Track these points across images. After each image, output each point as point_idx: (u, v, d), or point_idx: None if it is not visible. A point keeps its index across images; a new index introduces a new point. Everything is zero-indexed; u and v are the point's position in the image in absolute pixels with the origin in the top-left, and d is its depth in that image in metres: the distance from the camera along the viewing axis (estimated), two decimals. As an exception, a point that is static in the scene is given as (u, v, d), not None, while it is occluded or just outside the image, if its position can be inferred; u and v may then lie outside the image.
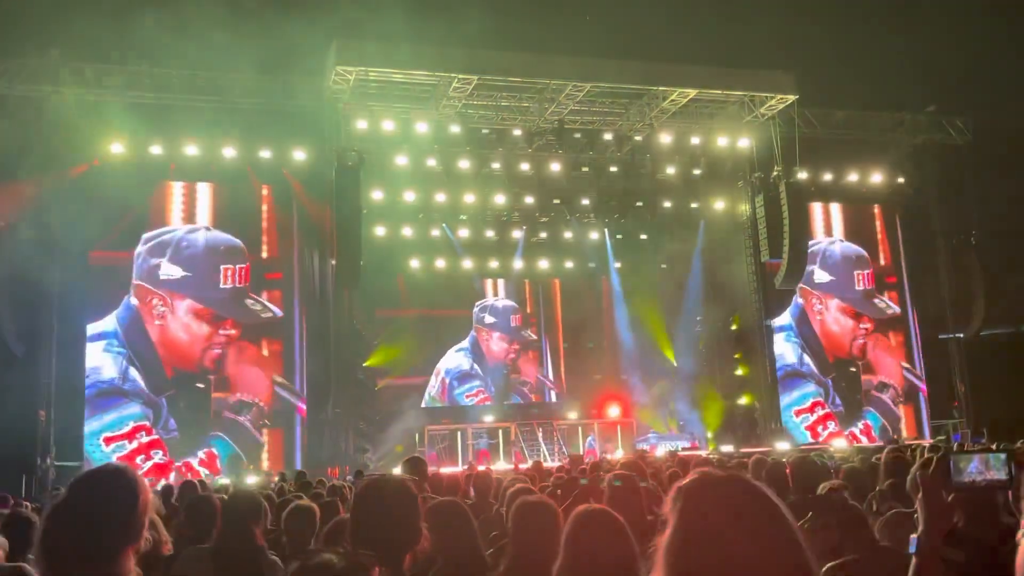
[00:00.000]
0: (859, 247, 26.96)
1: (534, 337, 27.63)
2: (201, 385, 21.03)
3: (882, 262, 27.24)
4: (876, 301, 26.92)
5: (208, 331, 21.20)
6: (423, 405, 25.62)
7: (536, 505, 3.69)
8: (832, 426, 25.52)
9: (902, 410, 26.38)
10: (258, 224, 22.28)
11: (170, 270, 21.08)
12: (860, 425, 25.92)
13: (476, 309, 27.06)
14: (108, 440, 19.99)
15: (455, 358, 26.58)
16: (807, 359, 26.01)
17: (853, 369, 26.36)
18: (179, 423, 20.60)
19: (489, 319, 27.13)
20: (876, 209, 27.34)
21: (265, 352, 21.81)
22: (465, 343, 26.77)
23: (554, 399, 27.15)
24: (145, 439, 20.27)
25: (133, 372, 20.49)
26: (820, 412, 25.66)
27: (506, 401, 26.45)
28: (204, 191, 21.89)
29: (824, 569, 3.23)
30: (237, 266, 21.66)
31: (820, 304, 26.38)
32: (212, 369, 21.16)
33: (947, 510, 2.75)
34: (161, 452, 20.28)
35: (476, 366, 26.64)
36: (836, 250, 26.82)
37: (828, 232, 26.82)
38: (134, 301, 20.84)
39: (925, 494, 2.67)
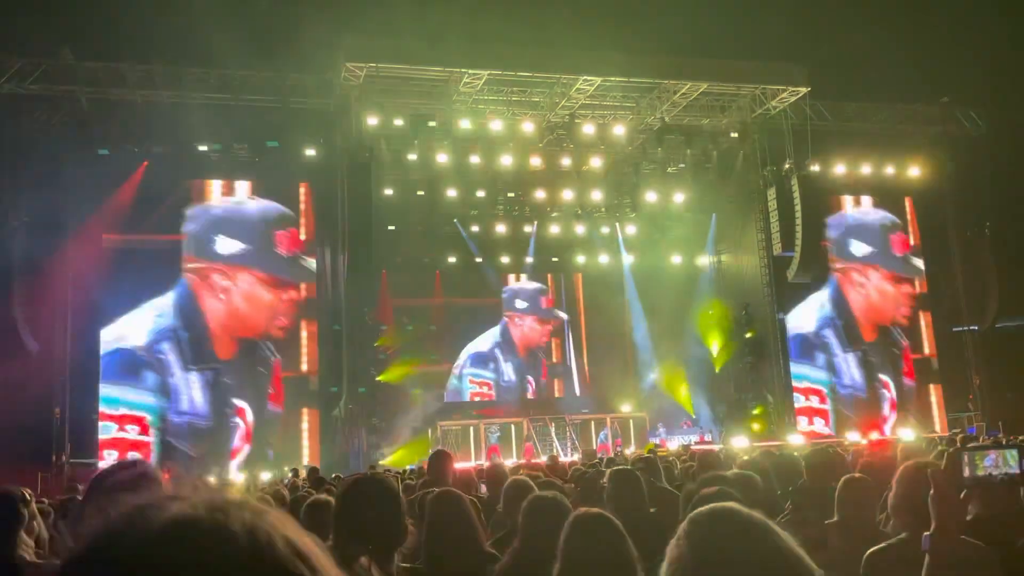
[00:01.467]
0: (888, 212, 27.05)
1: (565, 316, 27.45)
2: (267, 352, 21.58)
3: (897, 254, 27.14)
4: (915, 262, 27.07)
5: (271, 299, 21.72)
6: (447, 391, 25.63)
7: (544, 501, 3.70)
8: (820, 424, 25.47)
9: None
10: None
11: (227, 245, 21.59)
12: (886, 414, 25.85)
13: (505, 295, 26.94)
14: (102, 416, 20.13)
15: (481, 341, 26.47)
16: (829, 333, 25.91)
17: (896, 350, 26.38)
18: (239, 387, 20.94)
19: (520, 303, 27.00)
20: (890, 201, 27.19)
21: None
22: (495, 329, 26.66)
23: (578, 392, 27.03)
24: (133, 434, 20.33)
25: (165, 345, 20.68)
26: (814, 400, 25.63)
27: (531, 392, 26.30)
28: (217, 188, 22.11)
29: (868, 554, 3.24)
30: (289, 229, 22.24)
31: (861, 276, 26.45)
32: (280, 337, 21.60)
33: (959, 507, 2.73)
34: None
35: (499, 351, 26.48)
36: (871, 219, 26.98)
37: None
38: (188, 279, 21.24)
39: (937, 491, 2.66)
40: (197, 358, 20.86)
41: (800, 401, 25.46)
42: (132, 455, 18.23)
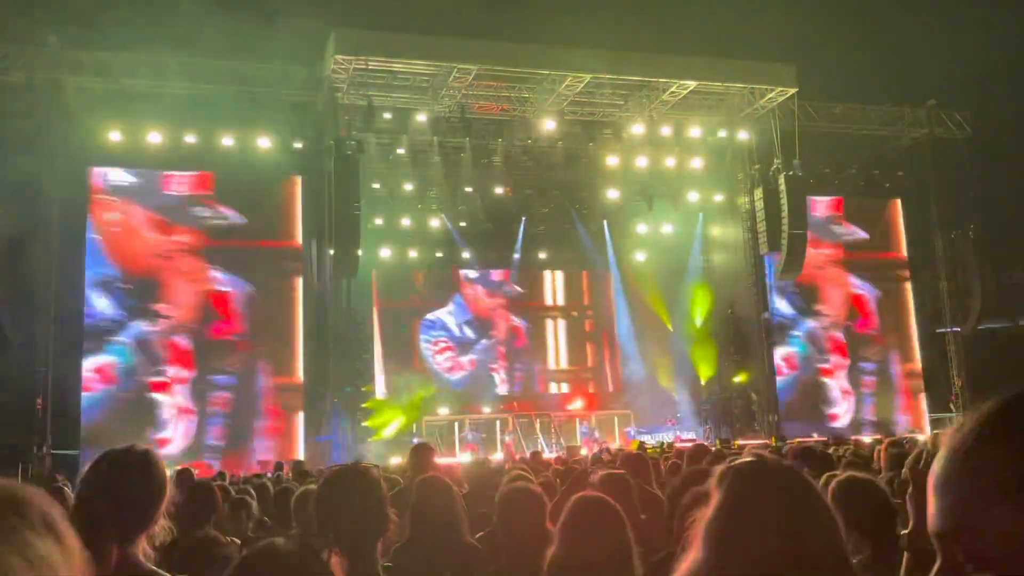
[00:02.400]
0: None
1: (520, 290, 27.24)
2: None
3: (880, 254, 27.24)
4: (834, 227, 26.76)
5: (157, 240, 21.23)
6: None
7: (521, 492, 3.70)
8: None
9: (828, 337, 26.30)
10: (267, 211, 22.36)
11: (119, 176, 21.24)
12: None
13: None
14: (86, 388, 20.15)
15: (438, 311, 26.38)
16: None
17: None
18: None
19: (472, 274, 26.81)
20: (875, 203, 27.30)
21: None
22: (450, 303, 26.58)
23: (562, 389, 26.95)
24: None
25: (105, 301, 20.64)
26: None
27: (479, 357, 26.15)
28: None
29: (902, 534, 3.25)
30: (188, 174, 21.61)
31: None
32: (157, 280, 21.12)
33: None
34: None
35: (444, 318, 26.27)
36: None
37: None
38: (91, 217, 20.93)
39: (915, 489, 2.66)
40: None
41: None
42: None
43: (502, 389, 26.12)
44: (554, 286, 27.79)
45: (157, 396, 20.70)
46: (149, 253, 21.12)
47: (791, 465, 1.65)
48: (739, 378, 25.96)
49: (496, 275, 26.87)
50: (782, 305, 25.90)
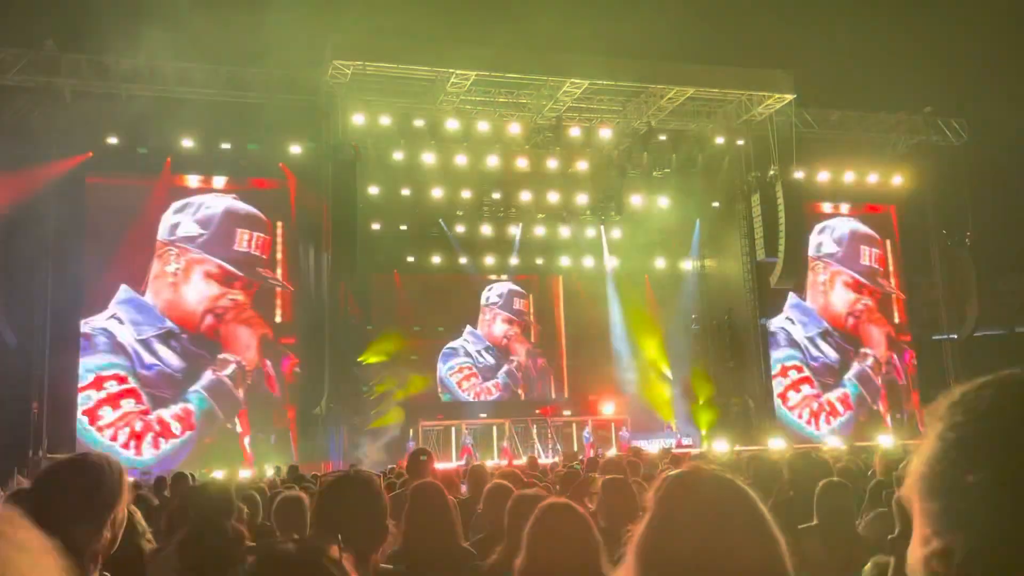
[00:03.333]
0: (870, 228, 27.35)
1: (533, 321, 27.30)
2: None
3: (877, 264, 27.31)
4: (880, 280, 27.22)
5: (217, 292, 21.58)
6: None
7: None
8: (808, 389, 26.01)
9: (880, 383, 26.60)
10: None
11: (189, 228, 21.66)
12: (839, 393, 26.24)
13: (485, 290, 26.90)
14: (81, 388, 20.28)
15: (449, 343, 26.47)
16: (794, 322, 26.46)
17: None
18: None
19: (494, 298, 26.92)
20: (872, 209, 27.37)
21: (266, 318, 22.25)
22: (471, 326, 26.69)
23: (554, 395, 26.93)
24: (116, 388, 20.45)
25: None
26: (796, 376, 26.19)
27: (496, 387, 26.27)
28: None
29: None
30: (255, 234, 22.05)
31: (825, 273, 26.77)
32: (208, 335, 21.46)
33: None
34: (134, 401, 20.55)
35: (466, 346, 26.44)
36: (845, 225, 27.31)
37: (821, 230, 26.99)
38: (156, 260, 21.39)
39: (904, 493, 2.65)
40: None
41: (783, 383, 25.90)
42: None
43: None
44: (552, 292, 27.66)
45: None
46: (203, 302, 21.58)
47: (725, 475, 1.61)
48: (735, 384, 25.94)
49: (519, 303, 26.97)
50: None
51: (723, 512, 1.51)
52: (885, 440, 21.51)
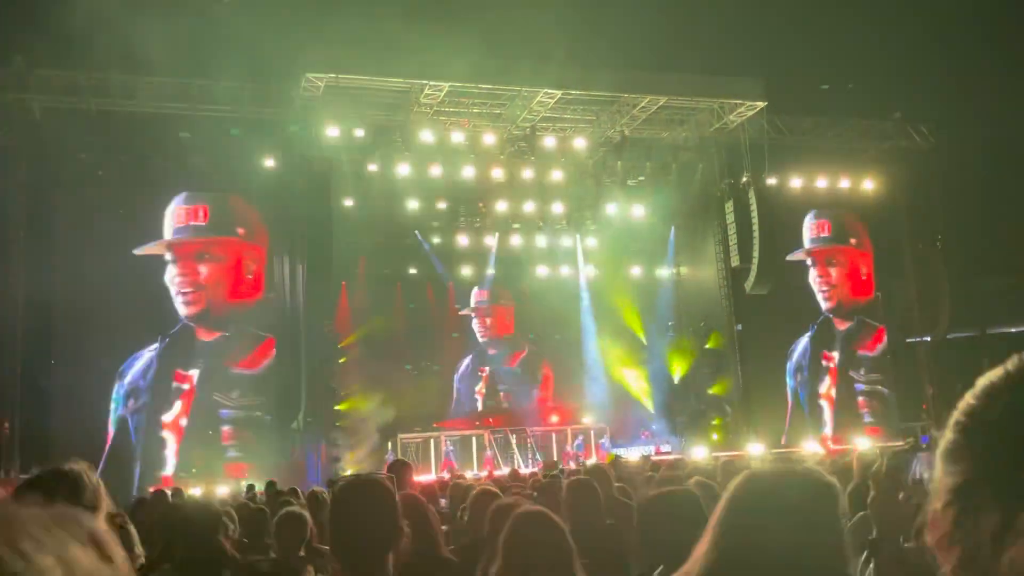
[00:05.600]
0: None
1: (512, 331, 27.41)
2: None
3: (848, 268, 27.58)
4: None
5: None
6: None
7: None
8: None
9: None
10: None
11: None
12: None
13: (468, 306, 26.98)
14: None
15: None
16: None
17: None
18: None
19: (473, 305, 27.04)
20: (844, 214, 27.62)
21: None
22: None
23: (534, 406, 26.83)
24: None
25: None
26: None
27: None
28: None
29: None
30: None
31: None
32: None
33: (901, 510, 2.75)
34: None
35: (470, 364, 26.53)
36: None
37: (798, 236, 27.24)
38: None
39: (877, 494, 2.67)
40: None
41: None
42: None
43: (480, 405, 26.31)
44: (526, 301, 27.62)
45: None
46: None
47: (814, 474, 1.65)
48: (713, 390, 26.10)
49: (480, 294, 26.95)
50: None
51: (802, 507, 1.57)
52: (862, 443, 21.70)
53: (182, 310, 21.23)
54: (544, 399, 26.65)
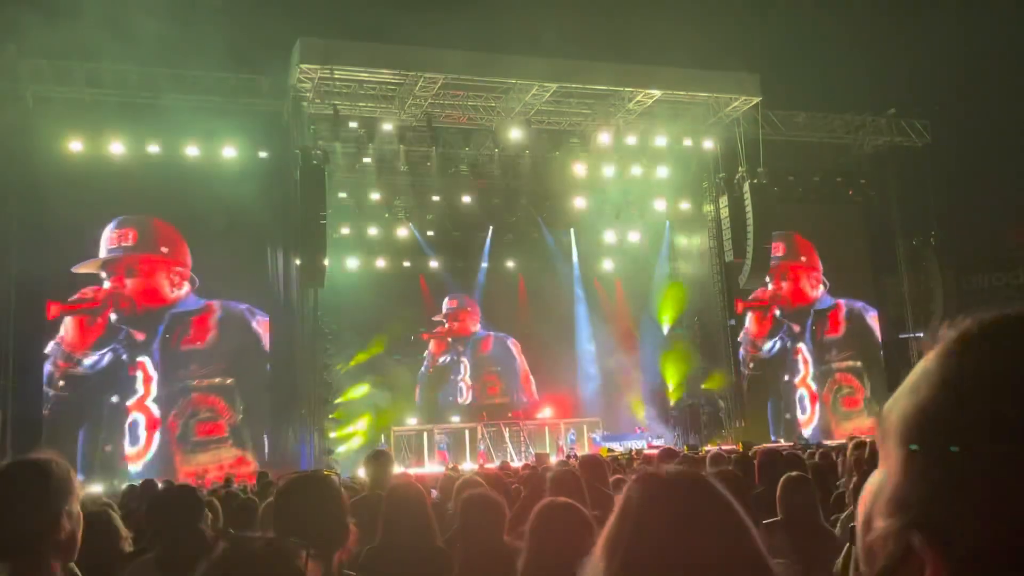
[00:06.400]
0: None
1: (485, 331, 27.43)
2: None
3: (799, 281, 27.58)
4: None
5: None
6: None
7: (481, 499, 3.83)
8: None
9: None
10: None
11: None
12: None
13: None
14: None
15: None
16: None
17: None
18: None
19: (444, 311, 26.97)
20: (837, 210, 27.63)
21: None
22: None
23: (526, 399, 26.84)
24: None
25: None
26: None
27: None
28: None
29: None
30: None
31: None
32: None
33: None
34: None
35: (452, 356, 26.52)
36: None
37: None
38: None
39: (859, 480, 2.65)
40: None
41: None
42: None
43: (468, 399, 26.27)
44: (520, 294, 27.54)
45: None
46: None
47: (695, 472, 1.59)
48: (707, 385, 26.12)
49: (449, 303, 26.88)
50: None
51: (693, 510, 1.49)
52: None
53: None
54: (527, 374, 26.76)
